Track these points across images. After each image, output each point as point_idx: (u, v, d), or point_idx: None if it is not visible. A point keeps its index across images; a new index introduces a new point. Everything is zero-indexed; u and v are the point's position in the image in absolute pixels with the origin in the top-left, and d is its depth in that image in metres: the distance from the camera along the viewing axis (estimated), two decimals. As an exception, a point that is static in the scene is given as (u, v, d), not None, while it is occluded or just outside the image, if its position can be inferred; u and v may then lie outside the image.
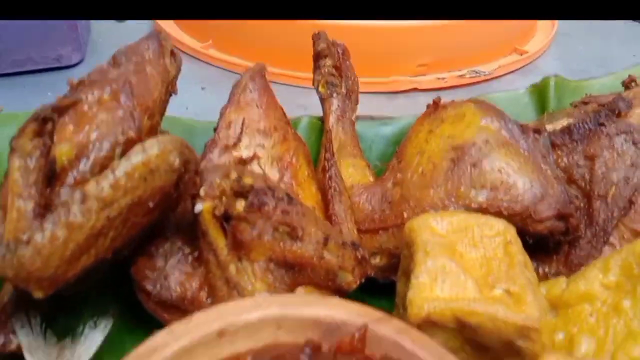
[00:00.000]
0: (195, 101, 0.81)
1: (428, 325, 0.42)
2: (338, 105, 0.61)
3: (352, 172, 0.57)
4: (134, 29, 1.04)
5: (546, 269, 0.51)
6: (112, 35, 1.14)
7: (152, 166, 0.40)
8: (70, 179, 0.41)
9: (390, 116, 0.66)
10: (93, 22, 1.13)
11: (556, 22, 1.22)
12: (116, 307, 0.47)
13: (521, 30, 1.14)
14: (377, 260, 0.54)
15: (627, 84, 0.60)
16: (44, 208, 0.40)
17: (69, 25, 1.03)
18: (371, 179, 0.57)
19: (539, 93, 0.67)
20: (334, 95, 0.62)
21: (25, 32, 1.02)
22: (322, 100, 0.62)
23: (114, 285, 0.48)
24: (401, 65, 1.00)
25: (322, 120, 0.62)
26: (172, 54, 0.51)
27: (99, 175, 0.39)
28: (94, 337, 0.46)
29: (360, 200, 0.55)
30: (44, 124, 0.39)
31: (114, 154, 0.42)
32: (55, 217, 0.38)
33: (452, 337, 0.43)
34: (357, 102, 0.63)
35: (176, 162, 0.41)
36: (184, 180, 0.43)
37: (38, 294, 0.39)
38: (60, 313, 0.46)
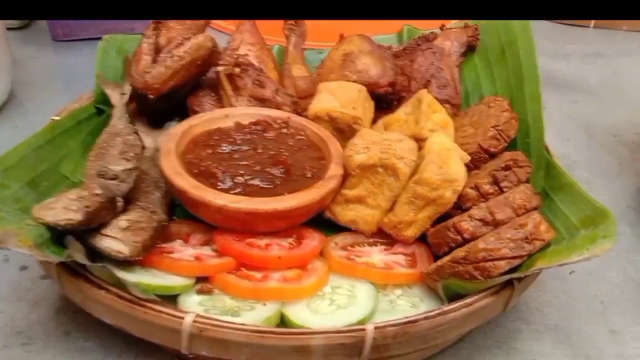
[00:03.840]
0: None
1: (317, 120, 0.95)
2: (294, 40, 1.16)
3: (297, 71, 1.11)
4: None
5: (383, 115, 1.04)
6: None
7: (199, 45, 0.94)
8: (165, 50, 0.95)
9: (323, 47, 1.19)
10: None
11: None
12: (179, 119, 1.01)
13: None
14: (305, 112, 1.07)
15: (441, 27, 1.14)
16: (154, 61, 0.94)
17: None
18: (307, 74, 1.11)
19: (400, 35, 1.21)
20: (292, 35, 1.16)
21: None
22: (286, 37, 1.17)
23: (178, 109, 1.02)
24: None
25: (286, 47, 1.16)
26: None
27: (178, 48, 0.93)
28: (169, 129, 1.00)
29: (299, 82, 1.08)
30: (156, 25, 0.94)
31: (183, 41, 0.96)
32: (160, 63, 0.92)
33: (328, 126, 0.95)
34: (304, 40, 1.17)
35: (209, 45, 0.95)
36: (213, 56, 0.97)
37: (151, 95, 0.93)
38: (155, 118, 1.00)
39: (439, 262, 0.71)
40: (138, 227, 0.69)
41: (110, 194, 0.70)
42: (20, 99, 1.30)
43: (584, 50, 1.62)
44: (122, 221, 0.70)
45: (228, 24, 1.60)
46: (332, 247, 0.82)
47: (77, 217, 0.64)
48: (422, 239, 0.82)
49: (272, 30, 1.44)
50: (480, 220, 0.74)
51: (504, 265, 0.66)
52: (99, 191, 0.68)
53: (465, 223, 0.74)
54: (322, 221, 0.85)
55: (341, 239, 0.84)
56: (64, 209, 0.64)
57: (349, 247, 0.83)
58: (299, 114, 1.01)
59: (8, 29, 1.47)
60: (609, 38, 1.69)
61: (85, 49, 1.52)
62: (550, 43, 1.64)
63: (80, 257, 0.62)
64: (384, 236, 0.84)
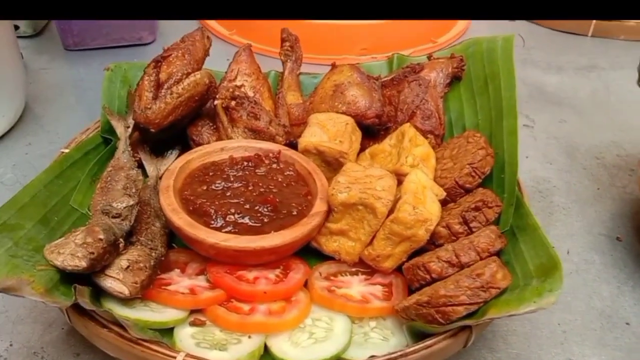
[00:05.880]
0: (223, 65, 1.43)
1: (306, 153, 1.02)
2: (289, 66, 1.22)
3: (291, 97, 1.17)
4: (181, 23, 1.64)
5: (371, 143, 1.10)
6: (171, 25, 1.75)
7: (196, 82, 1.01)
8: (165, 86, 1.02)
9: (317, 73, 1.25)
10: (161, 15, 1.73)
11: (471, 22, 1.78)
12: (180, 147, 1.09)
13: (437, 28, 1.72)
14: (299, 139, 1.14)
15: (428, 57, 1.19)
16: (155, 97, 1.01)
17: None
18: (300, 101, 1.18)
19: (390, 62, 1.26)
20: (288, 60, 1.22)
21: (119, 21, 1.64)
22: (283, 63, 1.23)
23: (179, 138, 1.09)
24: (350, 48, 1.61)
25: (282, 73, 1.22)
26: (208, 37, 1.12)
27: (177, 85, 1.00)
28: (170, 157, 1.08)
29: (293, 109, 1.15)
30: (157, 63, 1.01)
31: (182, 77, 1.03)
32: (160, 99, 1.00)
33: (317, 158, 1.02)
34: (300, 65, 1.23)
35: (206, 81, 1.02)
36: (210, 90, 1.04)
37: (152, 130, 1.00)
38: (156, 146, 1.08)
39: (406, 302, 0.79)
40: (137, 268, 0.78)
41: (112, 237, 0.78)
42: (34, 113, 1.38)
43: (578, 62, 1.66)
44: (123, 260, 0.78)
45: (226, 29, 1.67)
46: (316, 277, 0.90)
47: (82, 264, 0.72)
48: (400, 268, 0.90)
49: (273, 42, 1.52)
50: (447, 262, 0.81)
51: (462, 310, 0.73)
52: (102, 236, 0.76)
53: (434, 264, 0.82)
54: (309, 249, 0.93)
55: (325, 268, 0.92)
56: (71, 255, 0.73)
57: (332, 277, 0.91)
58: (291, 142, 1.08)
59: (19, 37, 1.55)
60: (604, 48, 1.73)
61: (95, 60, 1.60)
62: (544, 54, 1.69)
63: (85, 302, 0.71)
64: (365, 266, 0.92)
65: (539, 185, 1.19)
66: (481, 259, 0.81)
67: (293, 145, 1.07)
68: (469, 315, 0.74)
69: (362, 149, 1.08)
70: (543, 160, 1.27)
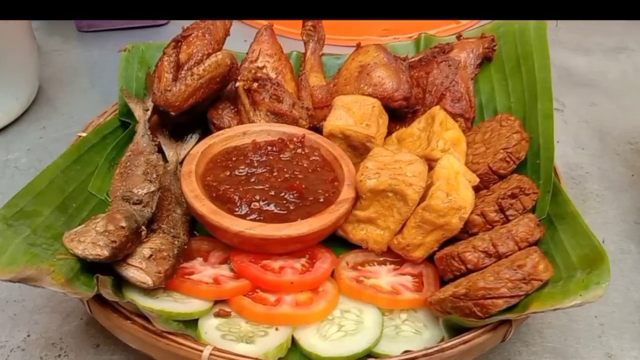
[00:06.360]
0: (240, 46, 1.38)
1: (332, 137, 0.98)
2: (312, 46, 1.17)
3: (314, 79, 1.13)
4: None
5: (398, 127, 1.06)
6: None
7: (217, 63, 0.97)
8: (185, 67, 0.98)
9: (340, 54, 1.21)
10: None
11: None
12: (200, 130, 1.05)
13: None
14: (322, 123, 1.10)
15: (458, 36, 1.14)
16: (175, 78, 0.97)
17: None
18: (324, 82, 1.13)
19: (417, 42, 1.21)
20: (310, 41, 1.18)
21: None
22: (305, 43, 1.18)
23: (199, 121, 1.05)
24: (371, 29, 1.55)
25: (304, 54, 1.18)
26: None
27: (198, 66, 0.96)
28: (190, 141, 1.04)
29: (317, 92, 1.11)
30: (176, 43, 0.97)
31: (203, 58, 0.99)
32: (180, 81, 0.96)
33: (342, 143, 0.98)
34: (322, 46, 1.19)
35: (228, 62, 0.97)
36: (232, 72, 1.00)
37: (172, 113, 0.97)
38: (176, 130, 1.04)
39: (441, 294, 0.75)
40: (160, 257, 0.74)
41: (134, 225, 0.74)
42: (48, 96, 1.35)
43: (607, 44, 1.60)
44: (146, 249, 0.75)
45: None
46: (343, 266, 0.86)
47: (104, 253, 0.69)
48: (430, 257, 0.86)
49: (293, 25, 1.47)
50: (484, 252, 0.77)
51: (501, 303, 0.69)
52: (124, 224, 0.72)
53: (469, 254, 0.78)
54: (334, 238, 0.89)
55: (352, 257, 0.89)
56: (92, 243, 0.70)
57: (359, 267, 0.87)
58: (314, 126, 1.04)
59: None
60: (633, 30, 1.67)
61: (109, 41, 1.56)
62: (572, 35, 1.63)
63: (107, 292, 0.68)
64: (394, 255, 0.88)
65: (572, 172, 1.15)
66: (519, 249, 0.77)
67: (316, 129, 1.03)
68: (508, 309, 0.70)
69: (389, 132, 1.04)
70: (575, 145, 1.22)
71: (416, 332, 0.77)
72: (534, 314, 0.67)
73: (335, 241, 0.89)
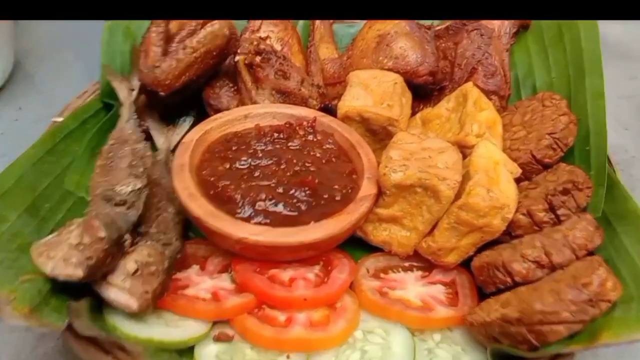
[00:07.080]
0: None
1: (347, 120, 0.85)
2: (321, 13, 1.03)
3: (325, 51, 0.99)
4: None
5: (422, 106, 0.92)
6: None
7: (214, 33, 0.83)
8: (176, 39, 0.84)
9: (353, 22, 1.06)
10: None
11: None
12: (195, 113, 0.91)
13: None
14: (334, 102, 0.96)
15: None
16: (164, 53, 0.83)
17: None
18: (336, 55, 0.99)
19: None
20: (320, 7, 1.03)
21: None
22: (313, 10, 1.04)
23: (193, 102, 0.92)
24: None
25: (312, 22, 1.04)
26: None
27: (191, 37, 0.82)
28: (183, 125, 0.91)
29: (328, 66, 0.97)
30: (165, 12, 0.83)
31: (197, 28, 0.85)
32: (170, 55, 0.82)
33: (360, 127, 0.85)
34: (334, 12, 1.04)
35: (226, 32, 0.83)
36: (230, 44, 0.86)
37: (162, 93, 0.83)
38: (168, 112, 0.91)
39: (485, 315, 0.63)
40: (148, 272, 0.62)
41: (115, 234, 0.62)
42: (26, 71, 1.21)
43: (645, 8, 1.45)
44: (130, 263, 0.62)
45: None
46: (363, 274, 0.74)
47: (78, 272, 0.57)
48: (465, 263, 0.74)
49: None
50: (535, 262, 0.65)
51: (563, 331, 0.57)
52: (102, 234, 0.60)
53: (518, 264, 0.65)
54: (351, 238, 0.76)
55: (373, 262, 0.77)
56: (63, 260, 0.57)
57: (381, 274, 0.75)
58: (326, 106, 0.91)
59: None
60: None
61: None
62: (606, -2, 1.47)
63: (82, 324, 0.55)
64: (420, 259, 0.76)
65: (615, 156, 1.01)
66: (577, 258, 0.65)
67: (328, 110, 0.89)
68: (569, 337, 0.58)
69: (412, 113, 0.90)
70: (617, 126, 1.08)
71: (454, 358, 0.65)
72: (606, 346, 0.55)
73: (352, 242, 0.77)
